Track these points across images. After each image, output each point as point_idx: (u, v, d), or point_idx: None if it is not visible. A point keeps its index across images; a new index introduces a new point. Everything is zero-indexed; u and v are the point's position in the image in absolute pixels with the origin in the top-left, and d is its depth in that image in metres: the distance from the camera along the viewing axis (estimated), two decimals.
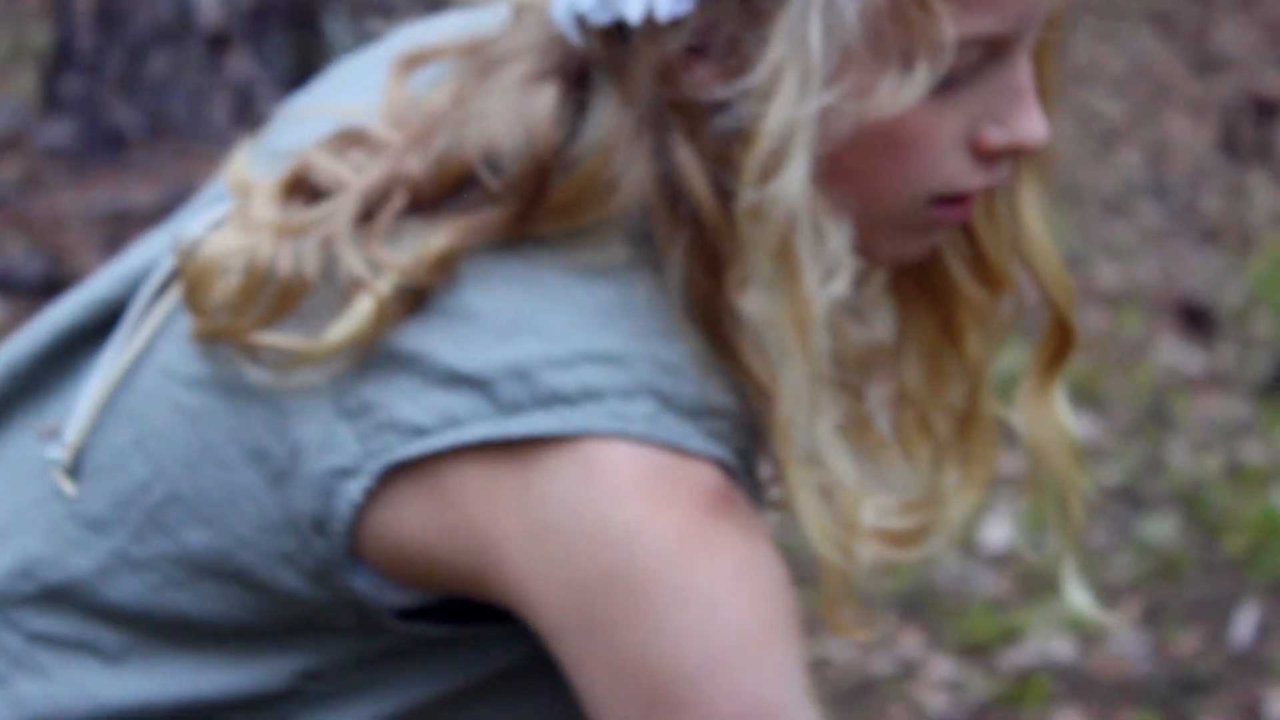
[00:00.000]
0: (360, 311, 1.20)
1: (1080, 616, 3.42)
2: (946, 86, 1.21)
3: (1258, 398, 4.30)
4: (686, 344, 1.21)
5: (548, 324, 1.20)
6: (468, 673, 1.29)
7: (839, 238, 1.20)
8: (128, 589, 1.29)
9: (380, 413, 1.20)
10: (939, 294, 1.36)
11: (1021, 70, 1.24)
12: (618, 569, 1.18)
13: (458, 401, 1.19)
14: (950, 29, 1.18)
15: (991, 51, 1.22)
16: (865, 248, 1.25)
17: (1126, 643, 3.48)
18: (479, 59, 1.26)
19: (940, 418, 1.38)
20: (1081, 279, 5.02)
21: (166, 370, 1.30)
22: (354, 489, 1.21)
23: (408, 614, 1.26)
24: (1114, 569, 3.64)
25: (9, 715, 1.30)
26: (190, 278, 1.24)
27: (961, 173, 1.24)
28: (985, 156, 1.25)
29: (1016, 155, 1.26)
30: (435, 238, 1.21)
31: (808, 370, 1.20)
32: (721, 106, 1.20)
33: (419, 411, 1.19)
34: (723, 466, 1.20)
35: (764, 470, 1.27)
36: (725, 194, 1.20)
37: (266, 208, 1.25)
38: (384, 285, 1.20)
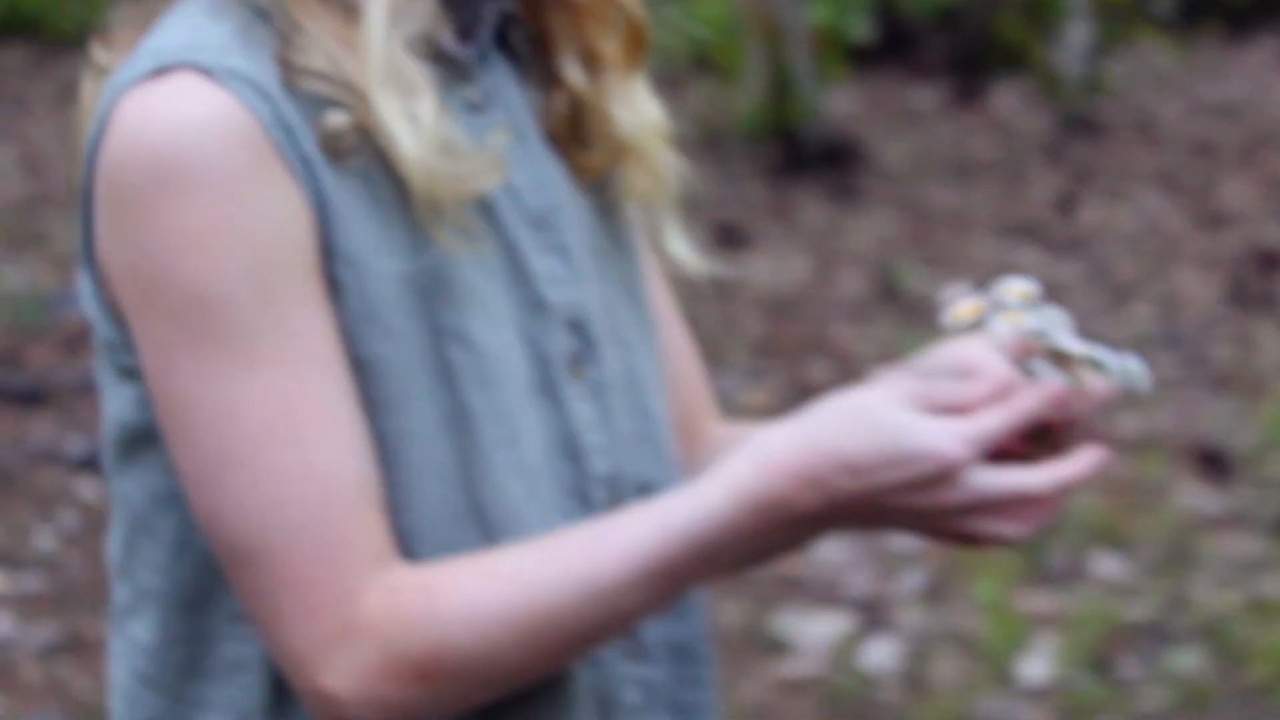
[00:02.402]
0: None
1: None
2: None
3: (1274, 535, 4.33)
4: (199, 24, 1.30)
5: (130, 67, 1.31)
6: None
7: None
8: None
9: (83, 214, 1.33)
10: (573, 10, 1.42)
11: None
12: (115, 190, 1.27)
13: (87, 167, 1.32)
14: None
15: None
16: None
17: None
18: None
19: (599, 112, 1.42)
20: (1104, 429, 5.05)
21: None
22: (87, 286, 1.33)
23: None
24: (1145, 699, 3.67)
25: None
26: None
27: None
28: None
29: None
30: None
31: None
32: None
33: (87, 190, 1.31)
34: (198, 70, 1.27)
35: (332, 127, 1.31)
36: None
37: None
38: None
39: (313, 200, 1.28)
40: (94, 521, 4.46)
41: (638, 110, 1.43)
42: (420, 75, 1.30)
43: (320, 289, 1.28)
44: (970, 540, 1.28)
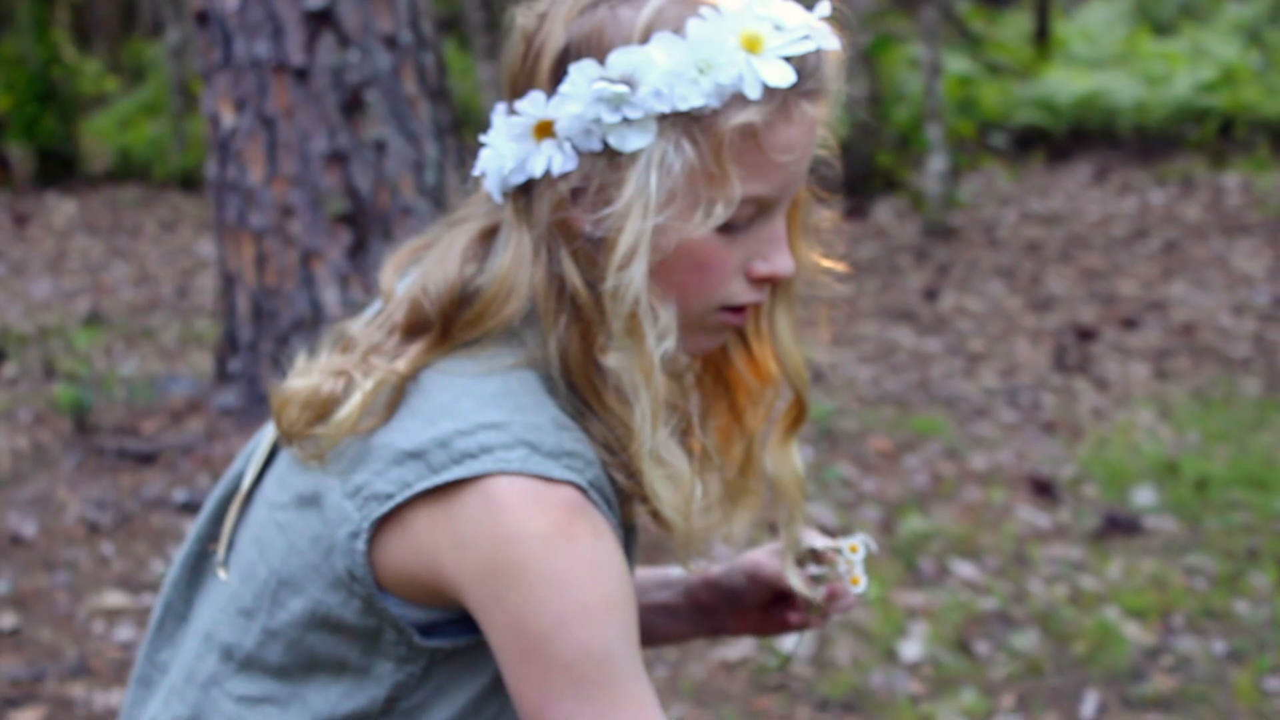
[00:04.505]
0: (353, 401, 1.31)
1: (973, 704, 3.43)
2: (732, 231, 1.31)
3: (1090, 544, 4.30)
4: (549, 412, 1.28)
5: (458, 409, 1.27)
6: (479, 675, 1.36)
7: (666, 315, 1.30)
8: (276, 651, 1.37)
9: (365, 490, 1.29)
10: (729, 385, 1.44)
11: (780, 224, 1.34)
12: (503, 560, 1.24)
13: (408, 471, 1.27)
14: (738, 188, 1.29)
15: (761, 209, 1.32)
16: (681, 342, 1.34)
17: None
18: (449, 226, 1.37)
19: (729, 465, 1.44)
20: (960, 464, 4.95)
21: (268, 501, 1.40)
22: (359, 545, 1.29)
23: (429, 631, 1.33)
24: (994, 669, 3.63)
25: None
26: (276, 406, 1.37)
27: (740, 290, 1.34)
28: (754, 281, 1.34)
29: (774, 281, 1.36)
30: (402, 356, 1.33)
31: (651, 399, 1.29)
32: (590, 229, 1.30)
33: (387, 484, 1.28)
34: (578, 488, 1.25)
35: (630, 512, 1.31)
36: (592, 287, 1.30)
37: (321, 361, 1.38)
38: (367, 384, 1.32)
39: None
40: None
41: (788, 465, 1.42)
42: (679, 458, 1.31)
43: None
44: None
